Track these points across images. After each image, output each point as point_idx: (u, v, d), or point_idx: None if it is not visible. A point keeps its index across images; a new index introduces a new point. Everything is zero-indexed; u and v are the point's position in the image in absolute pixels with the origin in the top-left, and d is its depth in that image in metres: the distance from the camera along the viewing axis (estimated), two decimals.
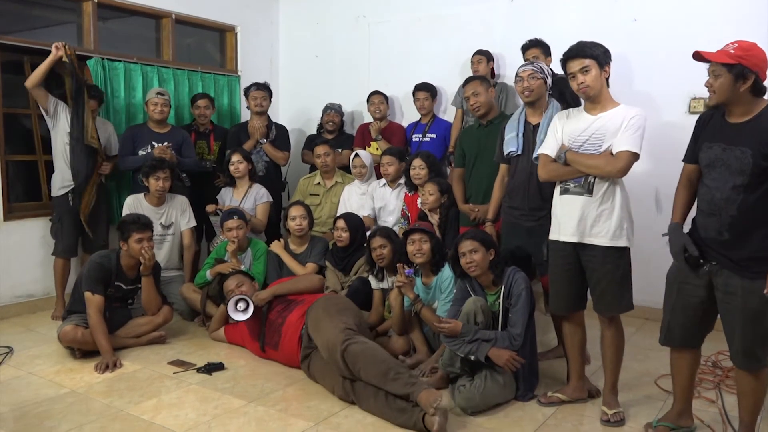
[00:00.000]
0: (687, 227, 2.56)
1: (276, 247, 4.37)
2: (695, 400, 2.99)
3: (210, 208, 4.70)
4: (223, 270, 4.09)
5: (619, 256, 2.76)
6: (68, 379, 3.29)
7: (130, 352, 3.69)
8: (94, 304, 3.53)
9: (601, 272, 2.77)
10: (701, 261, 2.42)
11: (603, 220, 2.72)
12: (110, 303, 3.67)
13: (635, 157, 2.65)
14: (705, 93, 4.08)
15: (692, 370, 2.67)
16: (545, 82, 3.19)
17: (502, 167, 3.43)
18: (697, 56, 2.35)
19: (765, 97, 2.34)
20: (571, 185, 2.79)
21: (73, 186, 4.33)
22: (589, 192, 2.74)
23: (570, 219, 2.78)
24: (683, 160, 2.59)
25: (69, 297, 3.89)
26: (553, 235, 2.89)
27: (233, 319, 3.66)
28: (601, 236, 2.73)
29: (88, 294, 3.55)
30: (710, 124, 2.45)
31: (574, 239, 2.78)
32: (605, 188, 2.72)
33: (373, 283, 3.84)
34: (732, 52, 2.27)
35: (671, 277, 2.59)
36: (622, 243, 2.73)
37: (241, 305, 3.61)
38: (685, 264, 2.46)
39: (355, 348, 2.90)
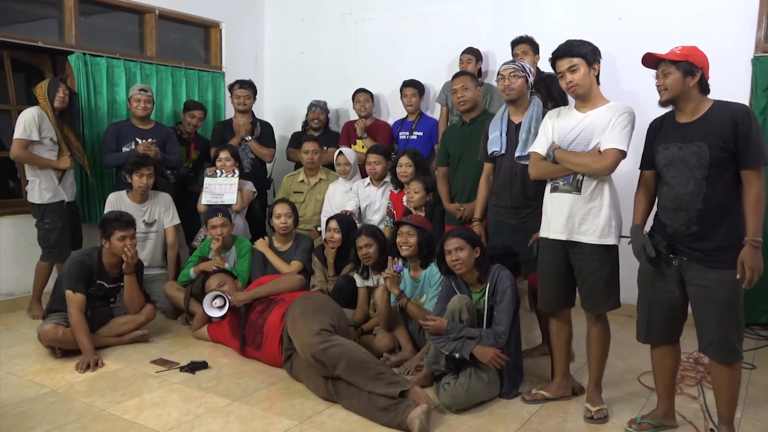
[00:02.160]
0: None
1: (260, 245, 4.35)
2: (678, 396, 3.02)
3: (210, 169, 4.65)
4: (207, 268, 4.06)
5: (607, 254, 2.77)
6: (48, 379, 3.24)
7: (112, 351, 3.64)
8: (76, 303, 3.49)
9: (589, 270, 2.78)
10: (671, 256, 2.50)
11: (591, 218, 2.74)
12: (92, 301, 3.62)
13: (622, 154, 2.67)
14: None
15: (674, 366, 2.71)
16: (526, 81, 3.19)
17: (487, 166, 3.43)
18: (649, 57, 2.49)
19: (708, 96, 2.48)
20: (560, 183, 2.80)
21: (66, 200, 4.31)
22: (578, 190, 2.75)
23: (559, 216, 2.79)
24: (640, 168, 2.69)
25: (49, 295, 3.83)
26: (543, 233, 2.90)
27: (210, 316, 3.64)
28: (589, 234, 2.74)
29: (69, 292, 3.50)
30: (662, 128, 2.57)
31: (562, 237, 2.79)
32: (594, 186, 2.74)
33: (358, 281, 3.84)
34: (678, 52, 2.43)
35: (644, 275, 2.65)
36: (610, 241, 2.75)
37: (218, 302, 3.60)
38: (648, 263, 2.55)
39: (333, 351, 2.88)
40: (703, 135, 2.40)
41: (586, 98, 2.76)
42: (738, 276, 2.35)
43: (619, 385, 3.24)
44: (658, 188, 2.61)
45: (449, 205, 3.88)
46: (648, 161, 2.63)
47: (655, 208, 2.64)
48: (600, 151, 2.69)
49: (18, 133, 4.14)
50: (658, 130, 2.59)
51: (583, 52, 2.71)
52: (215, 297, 3.62)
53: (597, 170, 2.68)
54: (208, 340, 3.87)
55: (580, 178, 2.75)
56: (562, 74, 2.74)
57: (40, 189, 4.25)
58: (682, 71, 2.41)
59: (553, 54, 2.78)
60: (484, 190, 3.46)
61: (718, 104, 2.45)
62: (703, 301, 2.46)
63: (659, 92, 2.48)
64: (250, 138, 5.00)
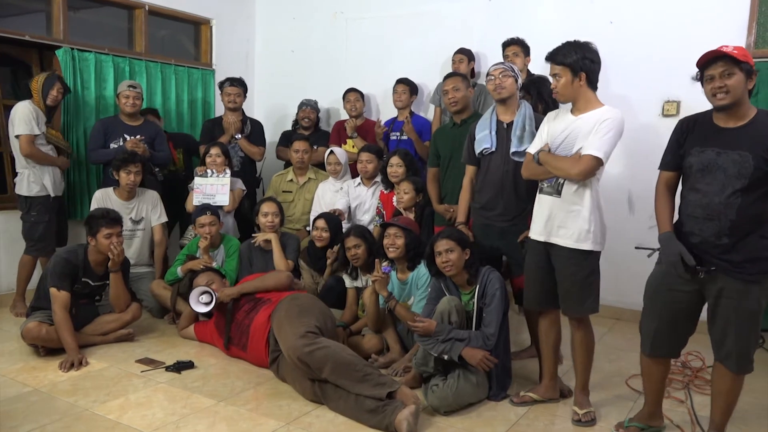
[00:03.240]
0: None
1: (272, 237, 4.23)
2: (665, 400, 3.03)
3: (200, 169, 4.62)
4: (195, 267, 4.03)
5: (584, 259, 2.75)
6: (31, 378, 3.19)
7: (96, 350, 3.60)
8: (60, 301, 3.44)
9: (565, 273, 2.78)
10: (698, 267, 2.36)
11: (570, 221, 2.73)
12: (76, 299, 3.57)
13: (598, 161, 2.61)
14: (679, 96, 4.23)
15: (664, 375, 2.70)
16: (516, 81, 3.20)
17: (470, 168, 3.41)
18: (718, 54, 2.26)
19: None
20: (545, 185, 2.82)
21: (51, 195, 4.27)
22: (558, 193, 2.75)
23: (540, 218, 2.82)
24: (661, 167, 2.55)
25: (33, 293, 3.78)
26: (530, 233, 2.92)
27: (199, 314, 3.61)
28: (566, 237, 2.74)
29: (53, 290, 3.46)
30: (697, 129, 2.41)
31: (541, 238, 2.81)
32: (574, 190, 2.72)
33: (347, 281, 3.82)
34: (736, 52, 2.25)
35: (655, 284, 2.55)
36: (586, 246, 2.71)
37: (205, 298, 3.58)
38: (685, 272, 2.39)
39: (319, 354, 2.86)
40: (749, 144, 2.24)
41: (577, 103, 2.74)
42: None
43: (606, 388, 3.24)
44: (682, 194, 2.48)
45: (439, 206, 3.87)
46: (672, 162, 2.48)
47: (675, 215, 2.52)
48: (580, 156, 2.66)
49: (21, 129, 4.11)
50: (690, 130, 2.42)
51: (569, 60, 2.64)
52: (202, 293, 3.59)
53: (571, 175, 2.65)
54: (195, 339, 3.83)
55: (561, 181, 2.74)
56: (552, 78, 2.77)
57: (28, 182, 4.22)
58: (744, 72, 2.24)
59: (546, 56, 2.79)
60: (467, 192, 3.43)
61: (763, 113, 2.31)
62: (726, 312, 2.37)
63: (715, 95, 2.28)
64: (239, 136, 4.97)
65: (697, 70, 2.37)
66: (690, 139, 2.42)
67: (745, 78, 2.25)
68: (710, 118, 2.40)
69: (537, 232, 2.83)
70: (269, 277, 3.75)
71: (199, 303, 3.58)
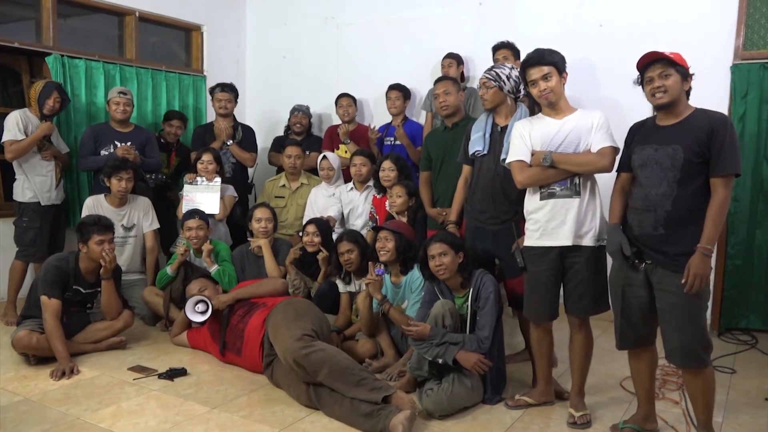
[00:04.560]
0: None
1: (263, 243, 4.23)
2: (660, 401, 3.03)
3: (190, 176, 4.60)
4: (184, 256, 4.03)
5: (601, 256, 2.80)
6: (22, 387, 3.16)
7: (88, 358, 3.57)
8: (51, 309, 3.41)
9: (584, 273, 2.80)
10: (636, 261, 2.51)
11: (589, 220, 2.78)
12: (68, 307, 3.54)
13: (617, 151, 2.72)
14: None
15: (651, 369, 2.71)
16: (501, 89, 3.13)
17: (466, 168, 3.40)
18: (654, 56, 2.44)
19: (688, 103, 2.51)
20: (557, 189, 2.79)
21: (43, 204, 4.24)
22: (577, 193, 2.77)
23: (563, 223, 2.77)
24: (617, 170, 2.69)
25: (24, 301, 3.75)
26: (534, 242, 2.86)
27: (193, 321, 3.60)
28: (589, 236, 2.78)
29: (44, 298, 3.43)
30: (642, 131, 2.58)
31: (568, 243, 2.78)
32: (589, 188, 2.78)
33: (341, 286, 3.81)
34: (672, 55, 2.44)
35: (614, 281, 2.65)
36: (603, 242, 2.78)
37: (201, 307, 3.58)
38: (623, 261, 2.54)
39: (315, 356, 2.85)
40: (680, 138, 2.42)
41: (558, 106, 2.80)
42: (683, 281, 2.36)
43: (602, 391, 3.24)
44: (630, 191, 2.62)
45: (431, 209, 3.86)
46: (625, 163, 2.63)
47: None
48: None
49: (6, 136, 4.13)
50: (637, 132, 2.61)
51: (554, 60, 2.76)
52: (198, 302, 3.58)
53: (604, 166, 2.69)
54: (188, 346, 3.80)
55: (578, 181, 2.76)
56: (535, 82, 2.78)
57: (22, 188, 4.23)
58: (680, 74, 2.43)
59: (524, 62, 2.82)
60: (462, 192, 3.41)
61: (699, 111, 2.48)
62: (667, 306, 2.46)
63: (654, 94, 2.46)
64: (231, 142, 4.95)
65: (637, 74, 2.53)
66: (635, 140, 2.59)
67: (681, 79, 2.43)
68: (653, 119, 2.57)
69: (562, 237, 2.77)
70: (265, 283, 3.74)
71: (195, 312, 3.58)
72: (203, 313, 3.56)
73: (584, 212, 2.77)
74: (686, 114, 2.47)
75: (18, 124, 4.11)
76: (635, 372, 2.73)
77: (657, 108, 2.52)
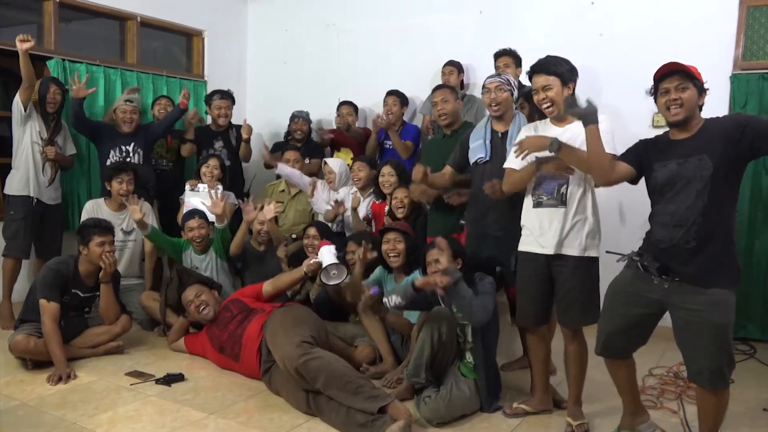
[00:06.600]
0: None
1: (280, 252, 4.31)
2: (657, 410, 3.03)
3: (191, 183, 4.60)
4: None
5: (590, 266, 2.78)
6: (19, 391, 3.15)
7: (85, 363, 3.56)
8: (49, 312, 3.40)
9: (571, 283, 2.78)
10: (663, 277, 2.39)
11: (576, 230, 2.75)
12: (66, 311, 3.53)
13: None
14: None
15: (630, 373, 2.69)
16: (512, 94, 3.17)
17: (448, 169, 3.40)
18: (676, 66, 2.35)
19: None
20: (545, 198, 2.80)
21: (31, 196, 4.25)
22: (563, 203, 2.75)
23: (547, 231, 2.78)
24: (619, 158, 2.55)
25: (22, 305, 3.73)
26: (526, 247, 2.88)
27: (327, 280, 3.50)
28: (575, 246, 2.75)
29: (42, 301, 3.42)
30: (656, 148, 2.48)
31: (550, 251, 2.77)
32: (578, 199, 2.75)
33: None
34: (691, 69, 2.35)
35: (619, 286, 2.57)
36: (593, 253, 2.77)
37: (334, 270, 3.45)
38: (644, 273, 2.44)
39: (313, 364, 2.84)
40: (705, 147, 2.32)
41: (559, 116, 2.78)
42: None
43: (599, 399, 3.22)
44: (652, 207, 2.51)
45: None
46: (629, 158, 2.53)
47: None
48: None
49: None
50: (651, 145, 2.51)
51: (560, 71, 2.72)
52: (330, 268, 3.44)
53: (601, 167, 2.58)
54: (185, 352, 3.80)
55: (564, 191, 2.75)
56: (537, 90, 2.78)
57: (12, 180, 4.27)
58: (697, 88, 2.35)
59: (531, 68, 2.81)
60: (445, 175, 3.40)
61: (710, 120, 2.41)
62: (692, 326, 2.34)
63: (669, 108, 2.36)
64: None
65: (651, 84, 2.44)
66: (651, 155, 2.47)
67: (698, 94, 2.35)
68: (667, 135, 2.49)
69: (545, 245, 2.78)
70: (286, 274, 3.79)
71: (332, 278, 3.47)
72: (337, 275, 3.45)
73: (570, 223, 2.74)
74: (700, 125, 2.39)
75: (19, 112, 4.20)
76: (614, 377, 2.69)
77: (671, 125, 2.43)
